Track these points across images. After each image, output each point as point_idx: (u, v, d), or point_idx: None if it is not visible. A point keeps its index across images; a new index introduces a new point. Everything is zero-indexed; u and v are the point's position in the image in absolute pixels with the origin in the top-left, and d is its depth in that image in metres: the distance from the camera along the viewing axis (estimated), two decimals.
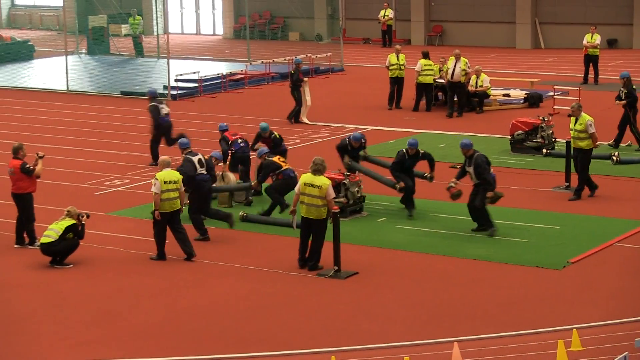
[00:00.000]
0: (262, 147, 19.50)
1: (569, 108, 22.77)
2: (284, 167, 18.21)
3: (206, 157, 17.90)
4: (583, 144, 18.32)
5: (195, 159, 17.05)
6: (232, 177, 19.77)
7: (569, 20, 38.65)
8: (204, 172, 17.10)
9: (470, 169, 16.53)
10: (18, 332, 12.65)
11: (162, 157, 16.58)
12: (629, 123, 22.18)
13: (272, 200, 18.01)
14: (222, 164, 19.09)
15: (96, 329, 12.68)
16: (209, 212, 17.11)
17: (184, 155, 17.39)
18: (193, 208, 16.85)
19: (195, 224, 16.75)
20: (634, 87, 23.21)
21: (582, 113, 18.46)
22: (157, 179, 15.22)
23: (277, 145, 19.92)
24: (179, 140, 18.24)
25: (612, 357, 9.57)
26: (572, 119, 18.57)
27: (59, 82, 33.45)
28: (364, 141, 19.21)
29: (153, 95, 22.79)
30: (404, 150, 17.75)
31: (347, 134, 23.99)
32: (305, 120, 26.25)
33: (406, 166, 17.62)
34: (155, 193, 15.09)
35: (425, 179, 18.22)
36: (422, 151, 17.84)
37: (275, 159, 18.39)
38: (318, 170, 14.54)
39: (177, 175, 15.56)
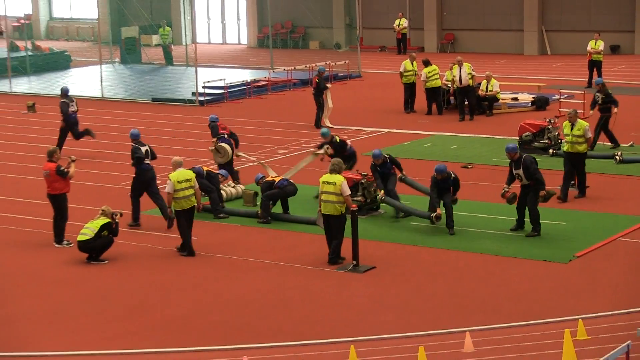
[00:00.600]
0: (258, 174, 19.64)
1: (588, 113, 24.31)
2: (277, 180, 18.55)
3: (213, 172, 18.74)
4: (581, 147, 18.61)
5: (143, 148, 17.79)
6: (228, 148, 20.52)
7: (574, 28, 39.34)
8: (149, 162, 17.85)
9: (520, 171, 16.49)
10: (57, 325, 12.95)
11: (175, 158, 16.88)
12: (601, 126, 22.79)
13: (261, 204, 18.35)
14: (227, 180, 19.80)
15: (130, 322, 12.95)
16: (157, 203, 17.74)
17: (133, 144, 18.18)
18: (134, 192, 17.65)
19: (134, 208, 17.48)
20: (609, 91, 23.83)
21: (578, 119, 18.76)
22: (170, 180, 15.52)
23: (340, 150, 19.87)
24: (131, 131, 19.08)
25: (615, 346, 9.31)
26: (568, 124, 18.80)
27: (94, 90, 34.45)
28: (386, 156, 18.63)
29: (65, 93, 23.80)
30: (433, 175, 17.40)
31: (365, 136, 24.61)
32: (328, 123, 26.38)
33: (440, 188, 17.26)
34: (168, 193, 15.51)
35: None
36: (453, 175, 17.52)
37: (269, 177, 18.69)
38: (334, 170, 14.98)
39: (190, 174, 15.89)
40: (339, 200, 14.60)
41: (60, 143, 22.52)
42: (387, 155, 18.58)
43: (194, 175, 16.16)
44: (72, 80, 36.45)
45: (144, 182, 17.65)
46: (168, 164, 18.68)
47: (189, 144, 25.45)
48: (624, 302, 12.91)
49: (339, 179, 14.68)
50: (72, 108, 23.53)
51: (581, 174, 18.71)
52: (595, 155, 21.46)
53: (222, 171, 19.34)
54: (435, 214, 16.46)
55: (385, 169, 18.10)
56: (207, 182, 17.98)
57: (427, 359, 10.53)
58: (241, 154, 22.02)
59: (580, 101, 26.03)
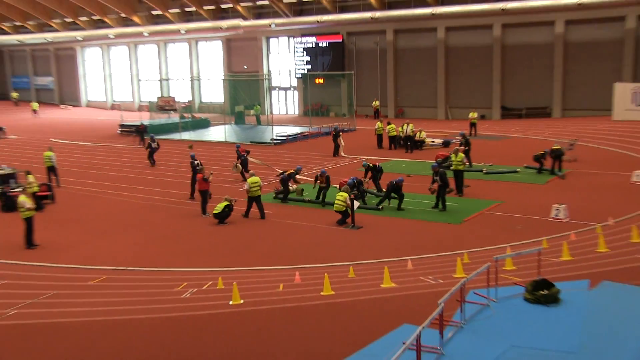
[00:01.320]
0: (298, 166, 27.74)
1: (461, 147, 30.83)
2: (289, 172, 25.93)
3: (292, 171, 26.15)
4: (461, 167, 25.26)
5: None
6: (239, 166, 29.15)
7: (462, 105, 50.55)
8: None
9: (437, 178, 22.86)
10: (206, 254, 19.05)
11: (250, 172, 24.35)
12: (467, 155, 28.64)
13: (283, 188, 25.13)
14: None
15: (239, 254, 19.03)
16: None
17: (286, 174, 25.25)
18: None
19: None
20: (467, 138, 31.42)
21: (459, 152, 25.45)
22: (247, 182, 23.14)
23: (375, 169, 26.30)
24: (297, 167, 26.91)
25: (481, 266, 13.12)
26: (454, 155, 25.31)
27: (220, 137, 45.09)
28: (357, 181, 24.21)
29: (192, 157, 28.00)
30: (391, 181, 23.33)
31: (359, 159, 33.06)
32: (342, 154, 36.09)
33: (394, 188, 23.00)
34: (246, 189, 23.14)
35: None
36: (397, 180, 23.42)
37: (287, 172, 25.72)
38: (345, 190, 21.69)
39: (257, 179, 23.08)
40: (343, 204, 21.37)
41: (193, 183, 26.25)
42: (371, 165, 26.25)
43: (259, 179, 23.27)
44: (210, 133, 49.09)
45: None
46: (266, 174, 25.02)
47: (265, 161, 33.39)
48: (489, 243, 18.53)
49: (344, 195, 21.46)
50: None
51: (461, 181, 25.18)
52: (472, 170, 29.03)
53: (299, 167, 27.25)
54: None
55: (375, 171, 25.96)
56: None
57: (389, 272, 14.89)
58: (252, 159, 31.34)
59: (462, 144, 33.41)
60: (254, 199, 23.17)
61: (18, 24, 74.92)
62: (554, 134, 37.70)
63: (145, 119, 51.93)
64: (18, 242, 20.52)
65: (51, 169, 30.49)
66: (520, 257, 15.33)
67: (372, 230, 21.01)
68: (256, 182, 23.14)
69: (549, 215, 21.41)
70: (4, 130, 48.85)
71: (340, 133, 36.97)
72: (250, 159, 30.98)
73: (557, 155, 28.13)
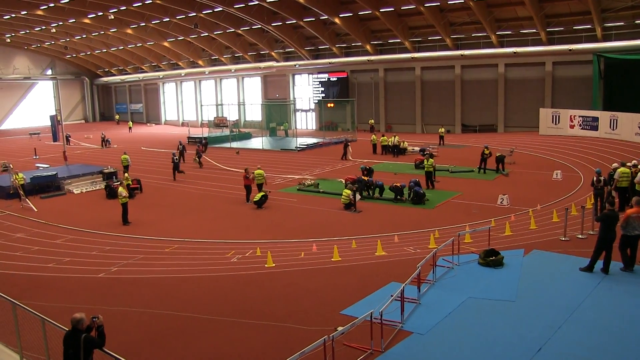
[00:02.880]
0: (362, 165, 25.61)
1: (435, 154, 33.34)
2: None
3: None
4: (431, 169, 24.81)
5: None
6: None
7: (434, 123, 48.75)
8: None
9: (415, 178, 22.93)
10: (246, 232, 18.68)
11: (257, 171, 23.64)
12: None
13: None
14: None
15: (271, 231, 18.74)
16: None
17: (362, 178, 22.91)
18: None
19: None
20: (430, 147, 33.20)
21: (430, 157, 25.45)
22: (250, 171, 23.17)
23: (369, 170, 25.52)
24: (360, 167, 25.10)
25: (449, 238, 12.66)
26: (427, 159, 25.11)
27: (259, 145, 44.16)
28: (367, 168, 25.04)
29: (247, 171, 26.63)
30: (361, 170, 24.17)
31: (359, 162, 32.62)
32: (350, 158, 34.92)
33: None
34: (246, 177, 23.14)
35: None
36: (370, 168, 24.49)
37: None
38: (348, 187, 21.68)
39: (261, 172, 23.39)
40: (347, 198, 21.22)
41: None
42: (368, 167, 25.58)
43: (263, 172, 23.42)
44: (250, 143, 47.09)
45: None
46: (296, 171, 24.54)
47: (291, 163, 34.13)
48: (454, 223, 18.24)
49: (347, 192, 21.39)
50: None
51: (431, 178, 24.67)
52: (440, 169, 27.69)
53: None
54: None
55: (369, 174, 25.11)
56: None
57: (381, 245, 14.68)
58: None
59: (436, 151, 34.85)
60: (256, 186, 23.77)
61: (121, 68, 76.83)
62: (499, 144, 37.46)
63: (205, 133, 52.04)
64: (117, 220, 20.76)
65: (126, 168, 30.63)
66: (476, 233, 15.26)
67: (369, 214, 20.90)
68: (260, 174, 23.75)
69: (496, 202, 21.27)
70: (110, 142, 49.32)
71: (349, 143, 36.42)
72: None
73: (500, 159, 28.11)
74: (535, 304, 10.46)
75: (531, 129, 42.87)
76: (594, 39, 39.76)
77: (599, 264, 11.96)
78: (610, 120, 35.99)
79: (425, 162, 25.28)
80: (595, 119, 37.13)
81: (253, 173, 24.02)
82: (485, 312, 10.22)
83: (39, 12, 50.31)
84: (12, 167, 27.79)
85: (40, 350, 8.00)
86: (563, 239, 14.69)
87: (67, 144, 42.06)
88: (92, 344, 6.85)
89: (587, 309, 10.15)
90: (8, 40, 67.44)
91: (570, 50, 40.24)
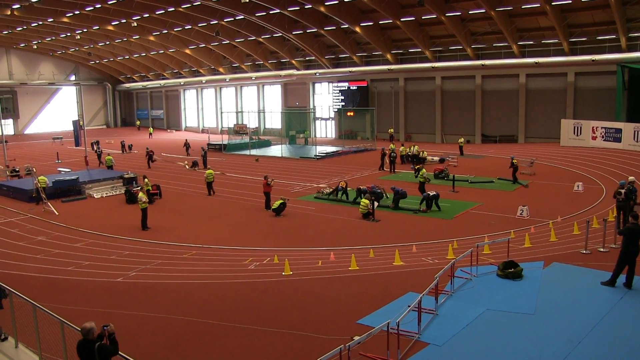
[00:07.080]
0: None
1: (453, 164, 33.64)
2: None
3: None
4: (422, 180, 25.18)
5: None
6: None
7: (454, 133, 48.74)
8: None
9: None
10: (264, 239, 18.61)
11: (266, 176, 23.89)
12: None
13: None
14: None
15: (289, 237, 19.02)
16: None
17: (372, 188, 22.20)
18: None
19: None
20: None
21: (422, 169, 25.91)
22: (270, 178, 23.20)
23: (378, 198, 23.42)
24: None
25: (468, 248, 12.49)
26: (419, 170, 25.86)
27: (277, 153, 44.46)
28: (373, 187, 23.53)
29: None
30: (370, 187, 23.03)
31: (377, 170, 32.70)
32: (385, 169, 33.78)
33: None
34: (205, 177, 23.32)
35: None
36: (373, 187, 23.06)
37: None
38: (366, 198, 21.70)
39: (211, 171, 25.01)
40: (365, 208, 21.20)
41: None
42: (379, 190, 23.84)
43: (212, 171, 25.25)
44: (269, 151, 47.50)
45: None
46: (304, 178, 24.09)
47: (307, 171, 34.24)
48: (472, 233, 18.15)
49: (366, 202, 21.35)
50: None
51: (424, 189, 24.00)
52: (460, 179, 28.16)
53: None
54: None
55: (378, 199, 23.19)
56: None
57: (399, 255, 14.58)
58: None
59: (455, 162, 35.03)
60: (209, 184, 26.21)
61: (143, 74, 77.65)
62: (519, 154, 36.91)
63: (225, 139, 52.34)
64: (137, 225, 20.90)
65: (110, 168, 32.92)
66: (495, 244, 15.07)
67: (387, 223, 20.85)
68: (211, 173, 26.10)
69: (515, 213, 21.04)
70: (131, 147, 49.80)
71: (387, 152, 34.08)
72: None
73: (515, 168, 28.05)
74: (554, 318, 10.26)
75: (552, 140, 42.46)
76: (618, 49, 39.26)
77: (622, 278, 11.73)
78: (635, 132, 35.44)
79: (419, 173, 25.87)
80: (619, 131, 36.62)
81: (273, 179, 24.09)
82: (503, 325, 10.06)
83: (65, 19, 51.32)
84: (35, 170, 28.26)
85: (58, 352, 8.07)
86: (584, 251, 14.46)
87: (97, 150, 42.93)
88: (107, 352, 6.96)
89: (608, 324, 9.93)
90: (35, 46, 68.85)
91: (593, 60, 39.78)
